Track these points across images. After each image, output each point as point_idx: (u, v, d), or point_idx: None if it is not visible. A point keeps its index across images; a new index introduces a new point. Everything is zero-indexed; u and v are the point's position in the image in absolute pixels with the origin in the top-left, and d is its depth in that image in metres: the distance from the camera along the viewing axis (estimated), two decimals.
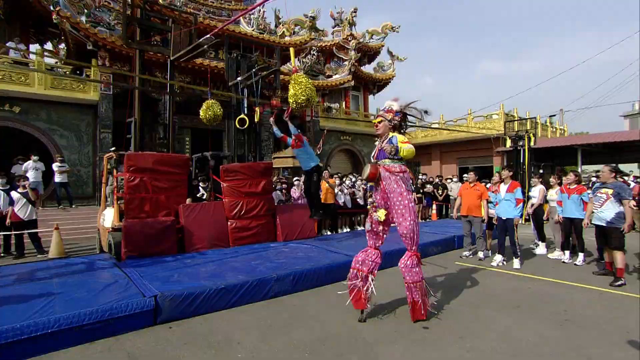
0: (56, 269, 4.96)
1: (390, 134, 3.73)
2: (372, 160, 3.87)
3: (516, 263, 6.02)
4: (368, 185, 10.90)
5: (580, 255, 6.22)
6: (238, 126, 6.24)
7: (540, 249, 7.22)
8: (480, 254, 6.65)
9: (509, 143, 13.28)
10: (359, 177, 3.92)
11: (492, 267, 6.12)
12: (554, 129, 22.52)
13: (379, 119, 3.81)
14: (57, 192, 10.91)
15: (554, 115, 20.07)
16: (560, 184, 6.83)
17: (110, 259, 5.74)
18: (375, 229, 3.82)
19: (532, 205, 7.21)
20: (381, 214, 3.70)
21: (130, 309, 3.55)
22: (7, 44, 11.68)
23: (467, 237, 7.03)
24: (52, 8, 10.57)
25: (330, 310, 4.08)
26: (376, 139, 3.94)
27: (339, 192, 9.81)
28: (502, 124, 18.10)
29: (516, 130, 16.16)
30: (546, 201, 7.29)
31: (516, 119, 18.68)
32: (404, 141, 3.62)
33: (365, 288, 3.70)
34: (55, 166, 10.64)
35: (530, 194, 7.72)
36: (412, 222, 3.58)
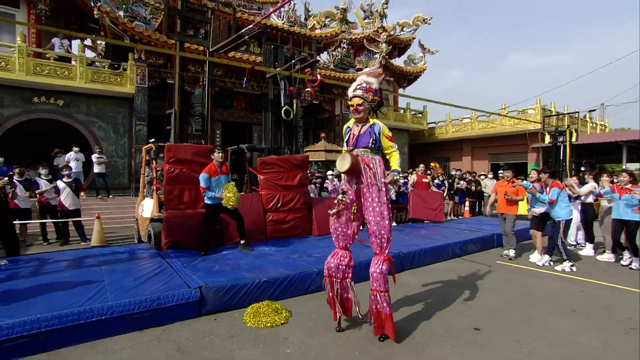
0: (103, 257, 5.09)
1: (371, 120, 3.22)
2: (346, 147, 3.30)
3: (566, 266, 5.65)
4: (400, 180, 10.69)
5: (636, 260, 5.79)
6: (284, 117, 6.25)
7: (587, 250, 6.84)
8: (511, 252, 6.42)
9: (547, 139, 12.68)
10: (335, 170, 3.16)
11: (537, 267, 5.84)
12: (594, 125, 21.39)
13: (358, 100, 3.13)
14: (96, 182, 11.30)
15: (594, 110, 19.00)
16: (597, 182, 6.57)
17: (150, 248, 5.84)
18: (345, 228, 3.27)
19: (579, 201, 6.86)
20: (355, 210, 3.20)
21: (176, 300, 3.57)
22: (52, 40, 12.12)
23: (506, 236, 6.75)
24: (92, 4, 10.88)
25: None
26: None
27: (391, 188, 9.71)
28: (538, 119, 17.36)
29: (555, 125, 15.47)
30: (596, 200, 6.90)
31: (554, 113, 17.89)
32: (389, 136, 3.17)
33: (347, 297, 3.31)
34: (94, 157, 11.02)
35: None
36: (389, 222, 3.10)
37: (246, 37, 5.59)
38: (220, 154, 5.48)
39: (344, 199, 3.20)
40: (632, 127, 30.44)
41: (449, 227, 8.55)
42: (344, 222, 3.27)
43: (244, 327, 3.47)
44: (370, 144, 3.14)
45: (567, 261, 5.64)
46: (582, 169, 11.05)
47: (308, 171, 7.53)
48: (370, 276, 3.14)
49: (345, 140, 3.32)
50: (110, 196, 11.48)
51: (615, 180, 6.29)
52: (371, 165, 3.13)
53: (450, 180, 12.49)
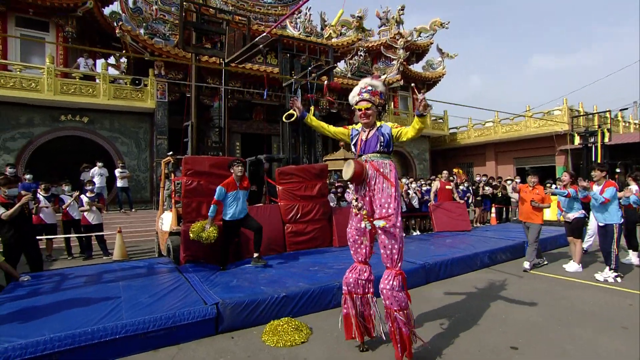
0: (122, 272, 5.05)
1: (378, 123, 3.05)
2: (354, 153, 3.13)
3: (610, 276, 5.17)
4: (423, 187, 10.37)
5: None
6: (285, 120, 6.02)
7: (631, 258, 6.34)
8: (526, 264, 5.91)
9: (577, 140, 12.07)
10: (343, 178, 2.86)
11: (575, 277, 5.43)
12: (627, 124, 20.34)
13: (367, 104, 2.95)
14: (119, 196, 11.50)
15: (626, 109, 18.07)
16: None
17: (169, 262, 5.78)
18: (360, 241, 3.06)
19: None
20: (367, 219, 2.91)
21: (192, 317, 3.43)
22: (78, 60, 12.57)
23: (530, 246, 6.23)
24: (115, 24, 11.22)
25: None
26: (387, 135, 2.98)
27: (413, 195, 9.49)
28: (565, 120, 16.65)
29: (585, 126, 14.77)
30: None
31: (582, 113, 17.12)
32: (397, 126, 2.98)
33: (369, 313, 3.07)
34: (117, 172, 11.22)
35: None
36: (401, 231, 2.89)
37: (261, 45, 5.54)
38: (240, 168, 5.18)
39: (359, 204, 2.96)
40: None
41: (475, 235, 8.16)
42: (362, 232, 3.02)
43: (262, 346, 3.29)
44: (379, 148, 2.94)
45: (614, 271, 5.19)
46: (617, 170, 10.40)
47: (327, 180, 7.36)
48: (380, 293, 2.87)
49: (353, 144, 3.12)
50: (133, 210, 11.65)
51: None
52: (382, 170, 2.93)
53: (474, 187, 12.05)
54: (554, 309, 4.08)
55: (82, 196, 7.52)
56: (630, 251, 6.40)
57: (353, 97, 3.05)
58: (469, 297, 4.54)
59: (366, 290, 3.06)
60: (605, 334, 3.40)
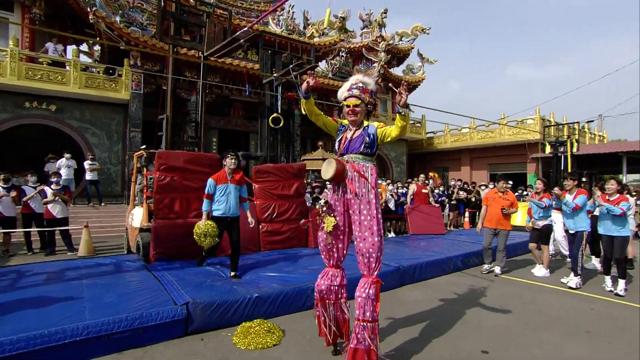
0: (86, 269, 4.81)
1: (365, 122, 2.92)
2: (336, 153, 2.99)
3: (573, 281, 5.32)
4: (399, 190, 10.46)
5: (621, 282, 5.00)
6: (272, 125, 5.89)
7: (594, 263, 6.60)
8: (497, 269, 6.00)
9: (548, 149, 12.53)
10: (323, 177, 2.76)
11: (541, 282, 5.60)
12: (592, 135, 21.35)
13: (355, 100, 2.83)
14: (88, 189, 11.02)
15: (592, 121, 18.94)
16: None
17: (138, 260, 5.57)
18: (331, 244, 2.92)
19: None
20: (330, 223, 2.82)
21: (161, 318, 3.30)
22: (46, 45, 11.94)
23: (489, 250, 6.17)
24: (89, 9, 10.73)
25: None
26: (349, 130, 2.97)
27: (390, 198, 9.51)
28: (538, 129, 17.26)
29: (555, 135, 15.38)
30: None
31: (553, 124, 17.80)
32: (382, 125, 2.88)
33: (342, 318, 2.98)
34: (86, 164, 10.75)
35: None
36: (380, 239, 2.75)
37: (242, 40, 5.41)
38: (233, 161, 4.75)
39: (323, 208, 2.86)
40: (630, 138, 30.56)
41: (449, 239, 8.31)
42: (336, 235, 2.90)
43: (233, 348, 3.20)
44: (362, 149, 2.81)
45: (579, 277, 5.32)
46: (584, 179, 10.90)
47: (305, 180, 7.30)
48: (355, 300, 2.76)
49: (338, 140, 2.96)
50: (103, 204, 11.18)
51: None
52: (362, 173, 2.81)
53: (449, 192, 12.29)
54: (522, 313, 4.18)
55: (46, 188, 7.13)
56: (593, 257, 6.67)
57: (342, 92, 2.93)
58: (442, 301, 4.59)
59: (339, 296, 2.97)
60: (570, 338, 3.50)
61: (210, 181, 4.66)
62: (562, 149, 11.87)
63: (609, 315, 4.15)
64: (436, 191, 10.81)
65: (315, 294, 3.00)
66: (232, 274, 4.60)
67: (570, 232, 5.52)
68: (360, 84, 2.88)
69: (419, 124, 21.52)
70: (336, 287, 2.95)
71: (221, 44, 5.74)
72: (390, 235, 9.38)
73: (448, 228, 11.17)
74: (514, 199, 5.97)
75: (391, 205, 9.62)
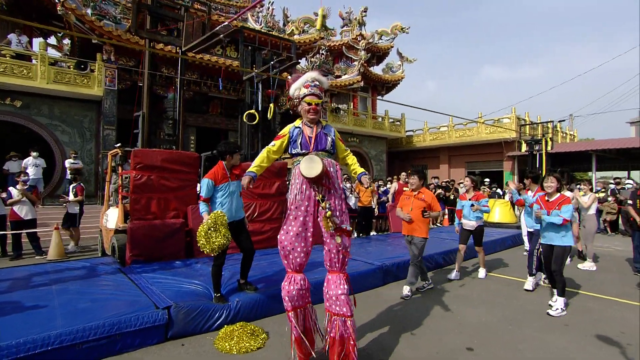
0: (56, 274, 4.58)
1: (323, 122, 2.99)
2: (298, 149, 2.85)
3: (528, 283, 5.02)
4: (381, 188, 10.52)
5: (559, 301, 4.20)
6: (246, 121, 5.76)
7: (590, 263, 6.78)
8: (406, 290, 4.67)
9: (524, 147, 12.90)
10: (308, 175, 2.70)
11: (522, 279, 5.73)
12: (564, 134, 22.16)
13: (317, 99, 2.84)
14: (67, 189, 10.52)
15: (563, 121, 19.66)
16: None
17: (114, 263, 5.37)
18: (302, 245, 2.77)
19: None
20: (331, 221, 2.71)
21: (140, 323, 3.17)
22: (9, 36, 11.31)
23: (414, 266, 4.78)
24: (57, 0, 10.24)
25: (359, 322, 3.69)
26: (340, 135, 3.04)
27: (350, 196, 9.38)
28: (514, 128, 17.76)
29: (530, 134, 15.85)
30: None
31: (528, 122, 18.36)
32: (341, 139, 3.00)
33: (310, 326, 2.85)
34: (67, 162, 10.38)
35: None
36: (350, 234, 2.84)
37: (221, 35, 5.27)
38: (239, 157, 4.14)
39: (329, 206, 2.72)
40: (598, 137, 31.92)
41: (430, 236, 8.37)
42: (303, 237, 2.75)
43: (215, 354, 3.10)
44: (328, 147, 2.85)
45: (534, 277, 5.15)
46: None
47: (286, 179, 7.21)
48: (329, 299, 2.72)
49: (299, 142, 2.83)
50: None
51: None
52: (331, 170, 2.80)
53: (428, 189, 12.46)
54: (505, 309, 4.26)
55: (11, 189, 6.76)
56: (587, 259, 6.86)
57: (298, 89, 2.89)
58: (426, 298, 4.63)
59: (307, 301, 2.85)
60: (551, 332, 3.58)
61: (207, 182, 3.84)
62: (537, 147, 12.24)
63: (586, 309, 4.28)
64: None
65: (286, 303, 2.75)
66: (243, 281, 4.11)
67: (529, 230, 5.43)
68: (317, 82, 2.88)
69: (398, 122, 21.74)
70: (304, 292, 2.80)
71: (200, 39, 5.58)
72: (372, 234, 9.40)
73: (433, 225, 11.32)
74: (432, 199, 4.69)
75: (352, 204, 9.24)
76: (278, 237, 2.84)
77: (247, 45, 6.25)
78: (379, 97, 21.07)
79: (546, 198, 4.34)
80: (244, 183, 2.84)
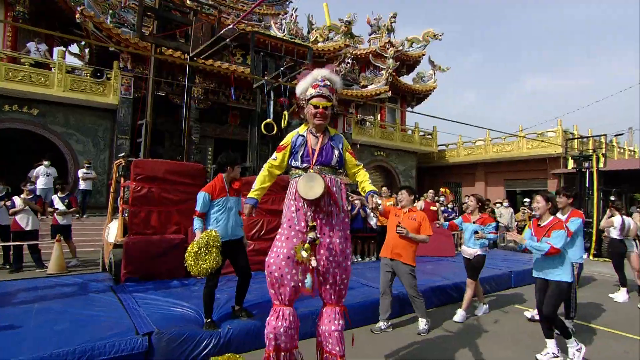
0: (43, 291, 4.55)
1: (332, 131, 2.70)
2: (298, 162, 2.62)
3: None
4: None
5: (571, 347, 3.59)
6: (264, 132, 5.68)
7: (621, 295, 6.20)
8: (422, 325, 4.28)
9: (571, 164, 12.16)
10: (306, 197, 2.43)
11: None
12: (622, 150, 20.90)
13: (327, 102, 2.55)
14: (82, 199, 10.83)
15: (621, 134, 18.53)
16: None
17: (108, 279, 5.32)
18: (295, 275, 2.51)
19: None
20: (306, 252, 2.40)
21: (115, 351, 3.03)
22: (28, 45, 11.96)
23: (387, 296, 4.42)
24: (77, 8, 10.76)
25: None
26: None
27: (371, 214, 9.06)
28: (559, 143, 16.91)
29: (579, 149, 15.01)
30: None
31: (577, 136, 17.46)
32: (351, 151, 2.73)
33: None
34: (80, 172, 10.69)
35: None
36: (350, 263, 2.67)
37: (227, 40, 5.25)
38: (239, 170, 4.05)
39: (317, 236, 2.44)
40: None
41: (459, 262, 7.93)
42: (295, 263, 2.48)
43: None
44: (334, 162, 2.60)
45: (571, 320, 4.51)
46: (612, 198, 10.48)
47: None
48: (322, 336, 2.54)
49: (300, 155, 2.59)
50: (85, 216, 11.01)
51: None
52: (334, 190, 2.56)
53: (462, 209, 11.94)
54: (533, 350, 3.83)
55: (15, 197, 6.94)
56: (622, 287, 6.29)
57: (305, 88, 2.62)
58: (450, 334, 4.27)
59: (294, 344, 2.57)
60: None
61: (203, 195, 3.68)
62: (587, 164, 11.48)
63: None
64: (442, 208, 10.46)
65: (269, 341, 2.48)
66: (238, 307, 3.91)
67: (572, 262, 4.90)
68: (328, 82, 2.59)
69: (429, 136, 21.28)
70: (293, 331, 2.54)
71: (206, 44, 5.60)
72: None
73: (458, 249, 10.79)
74: (424, 220, 4.31)
75: (373, 224, 8.94)
76: (266, 260, 2.63)
77: (258, 51, 6.22)
78: (409, 109, 20.76)
79: (538, 222, 3.80)
80: (245, 214, 2.71)
